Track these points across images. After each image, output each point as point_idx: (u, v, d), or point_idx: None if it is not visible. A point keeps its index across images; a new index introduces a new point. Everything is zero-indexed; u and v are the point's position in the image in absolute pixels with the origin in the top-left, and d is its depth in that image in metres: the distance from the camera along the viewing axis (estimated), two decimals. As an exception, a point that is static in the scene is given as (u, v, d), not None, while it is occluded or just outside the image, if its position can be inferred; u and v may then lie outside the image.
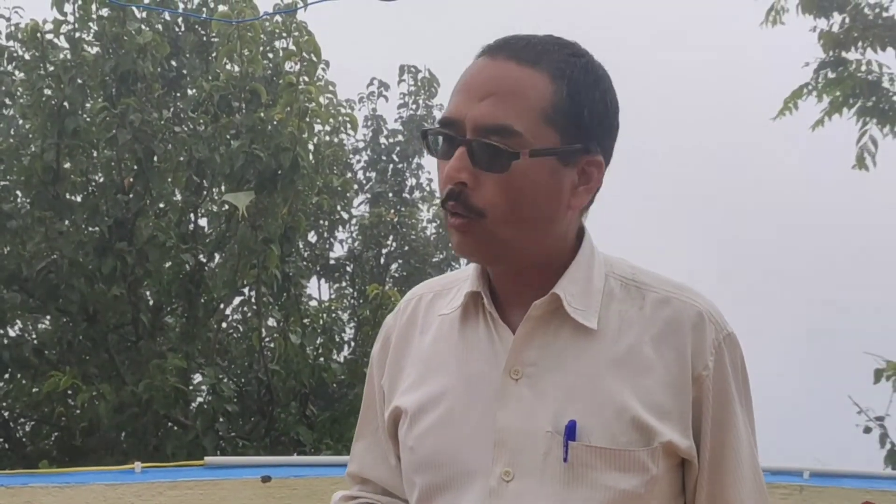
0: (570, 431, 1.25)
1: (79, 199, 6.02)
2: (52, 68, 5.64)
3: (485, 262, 1.33)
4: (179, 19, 6.77)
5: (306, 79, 5.84)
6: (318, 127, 6.16)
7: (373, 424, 1.49)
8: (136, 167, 5.82)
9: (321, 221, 7.80)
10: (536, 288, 1.30)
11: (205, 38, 6.72)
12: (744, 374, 1.34)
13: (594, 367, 1.27)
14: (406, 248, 8.71)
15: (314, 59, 5.84)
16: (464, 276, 1.41)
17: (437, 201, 8.76)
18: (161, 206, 6.12)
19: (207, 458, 4.04)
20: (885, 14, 6.91)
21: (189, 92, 6.57)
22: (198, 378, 6.29)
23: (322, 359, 6.10)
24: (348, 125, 7.07)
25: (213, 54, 6.49)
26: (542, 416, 1.26)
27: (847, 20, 6.98)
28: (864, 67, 7.08)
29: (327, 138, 6.88)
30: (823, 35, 7.07)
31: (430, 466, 1.33)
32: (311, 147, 5.83)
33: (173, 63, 6.44)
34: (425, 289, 1.47)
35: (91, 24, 5.84)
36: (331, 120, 6.99)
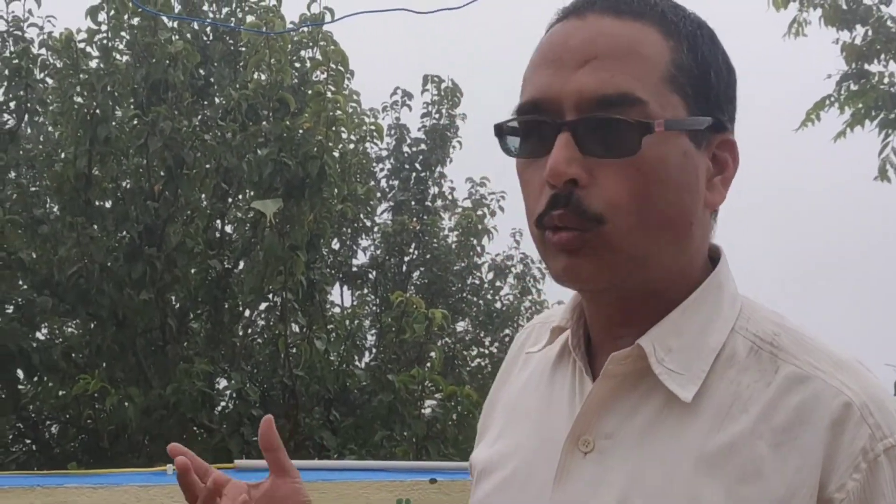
0: None
1: (109, 205, 6.11)
2: (84, 77, 5.74)
3: (602, 289, 0.99)
4: (208, 28, 6.88)
5: (333, 88, 5.92)
6: (343, 136, 6.24)
7: None
8: (164, 174, 5.91)
9: (345, 229, 7.88)
10: (642, 327, 0.98)
11: (233, 48, 6.82)
12: None
13: (682, 457, 0.94)
14: (428, 256, 8.78)
15: (341, 69, 5.92)
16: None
17: (459, 210, 8.90)
18: (189, 212, 6.21)
19: (237, 461, 4.11)
20: (907, 27, 6.95)
21: (217, 100, 6.67)
22: (223, 383, 6.37)
23: (345, 365, 6.16)
24: (374, 134, 7.14)
25: (241, 63, 6.60)
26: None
27: (870, 33, 7.02)
28: (886, 80, 7.12)
29: (352, 147, 6.95)
30: (846, 47, 7.11)
31: None
32: (336, 155, 5.90)
33: (202, 72, 6.54)
34: (544, 316, 1.18)
35: (123, 33, 5.94)
36: (355, 129, 7.09)
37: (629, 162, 0.92)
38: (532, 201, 0.97)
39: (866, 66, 7.11)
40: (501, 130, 0.99)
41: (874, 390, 0.94)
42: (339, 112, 5.76)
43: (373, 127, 6.98)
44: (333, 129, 5.77)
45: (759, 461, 0.91)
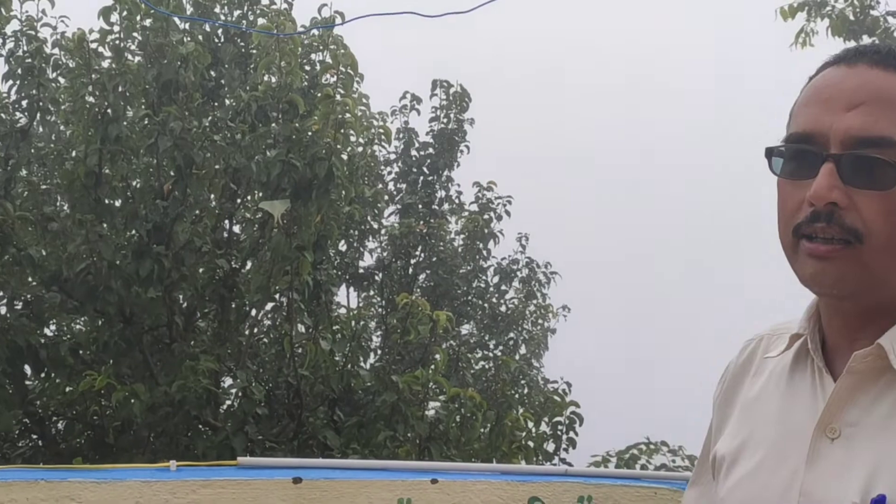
0: None
1: (118, 203, 6.17)
2: (96, 76, 5.80)
3: (842, 296, 1.16)
4: (219, 30, 6.95)
5: (342, 91, 5.98)
6: (352, 138, 6.29)
7: (707, 474, 1.37)
8: (174, 174, 5.97)
9: (352, 231, 7.93)
10: (876, 332, 1.15)
11: (244, 50, 6.88)
12: None
13: None
14: (434, 258, 8.83)
15: (351, 72, 5.97)
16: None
17: (466, 214, 8.93)
18: (197, 212, 6.27)
19: (240, 459, 4.14)
20: (914, 38, 6.97)
21: (227, 102, 6.73)
22: (228, 381, 6.42)
23: (350, 365, 6.21)
24: (382, 137, 7.19)
25: (252, 65, 6.66)
26: (851, 484, 1.11)
27: (877, 43, 7.04)
28: (893, 90, 7.13)
29: (360, 149, 7.01)
30: (853, 58, 7.12)
31: None
32: (345, 157, 5.96)
33: (212, 73, 6.60)
34: (771, 328, 1.35)
35: (135, 34, 6.00)
36: (364, 132, 7.14)
37: (884, 195, 1.10)
38: (789, 213, 1.16)
39: (873, 77, 7.12)
40: (771, 153, 1.18)
41: None
42: (347, 115, 5.81)
43: (381, 130, 7.02)
44: (342, 131, 5.82)
45: None
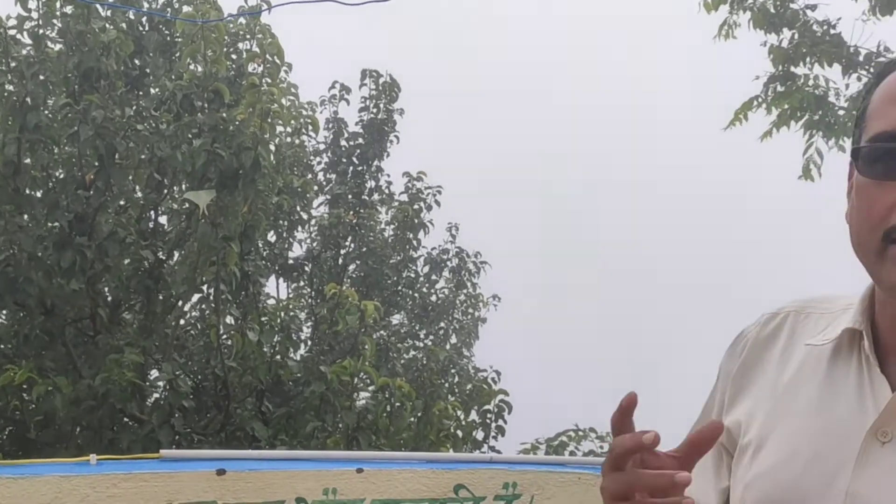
0: None
1: (39, 194, 6.05)
2: (14, 64, 5.67)
3: None
4: (143, 18, 6.84)
5: (269, 80, 5.93)
6: (279, 128, 6.25)
7: None
8: (97, 164, 5.87)
9: (281, 221, 7.88)
10: None
11: (168, 38, 6.79)
12: None
13: None
14: (364, 249, 8.83)
15: (277, 61, 5.93)
16: (844, 303, 1.25)
17: (396, 204, 8.93)
18: (122, 203, 6.18)
19: (163, 451, 4.10)
20: (832, 31, 7.14)
21: (152, 91, 6.63)
22: (155, 373, 6.34)
23: (279, 356, 6.18)
24: (310, 127, 7.16)
25: (177, 54, 6.56)
26: None
27: (796, 36, 7.21)
28: (811, 82, 7.32)
29: (289, 139, 6.97)
30: (773, 50, 7.30)
31: None
32: (272, 147, 5.91)
33: (136, 62, 6.49)
34: (798, 305, 1.30)
35: (55, 20, 5.88)
36: (292, 121, 7.09)
37: None
38: (877, 216, 1.10)
39: (792, 69, 7.30)
40: (858, 154, 1.14)
41: None
42: (274, 105, 5.77)
43: (308, 120, 6.99)
44: (269, 121, 5.78)
45: None
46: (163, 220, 6.61)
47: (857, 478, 1.11)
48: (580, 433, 8.46)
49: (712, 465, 1.29)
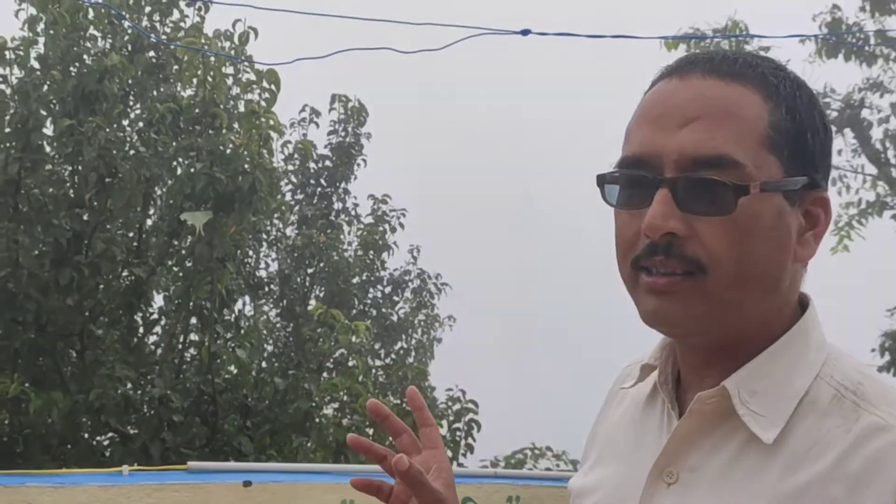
0: None
1: (39, 212, 6.16)
2: (18, 84, 5.80)
3: (689, 334, 1.03)
4: (126, 38, 6.97)
5: (265, 105, 6.16)
6: (275, 153, 6.48)
7: None
8: (96, 183, 6.01)
9: (254, 242, 8.07)
10: (724, 372, 1.02)
11: (155, 61, 6.94)
12: None
13: (759, 495, 0.97)
14: (328, 270, 9.05)
15: (274, 89, 6.16)
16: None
17: (362, 225, 9.19)
18: (121, 221, 6.32)
19: (190, 463, 4.31)
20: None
21: (137, 111, 6.78)
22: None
23: (270, 377, 6.38)
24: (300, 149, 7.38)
25: (161, 76, 6.72)
26: None
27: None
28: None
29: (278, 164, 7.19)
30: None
31: None
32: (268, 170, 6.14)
33: (129, 82, 6.65)
34: (643, 354, 1.19)
35: (58, 41, 6.02)
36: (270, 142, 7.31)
37: (726, 220, 0.97)
38: (626, 246, 1.02)
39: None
40: (603, 180, 1.04)
41: None
42: (272, 132, 6.01)
43: (301, 146, 7.23)
44: (267, 146, 6.01)
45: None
46: (153, 239, 6.75)
47: None
48: (537, 451, 8.83)
49: None
